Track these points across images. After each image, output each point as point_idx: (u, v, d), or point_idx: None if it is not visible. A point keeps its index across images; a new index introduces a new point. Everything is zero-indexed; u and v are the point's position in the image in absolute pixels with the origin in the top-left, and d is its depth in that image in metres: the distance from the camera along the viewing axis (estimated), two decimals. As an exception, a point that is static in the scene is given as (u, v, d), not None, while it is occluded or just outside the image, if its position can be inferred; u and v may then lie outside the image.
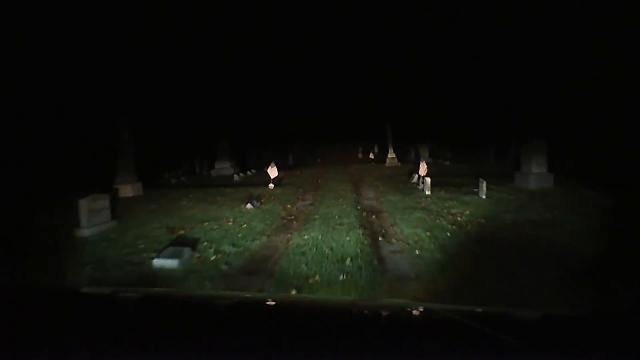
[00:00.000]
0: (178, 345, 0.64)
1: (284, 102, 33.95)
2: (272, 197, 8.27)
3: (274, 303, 1.08)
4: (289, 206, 7.41)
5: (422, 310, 0.98)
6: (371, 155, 20.00)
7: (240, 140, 27.71)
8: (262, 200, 7.76)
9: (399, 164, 16.48)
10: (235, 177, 13.60)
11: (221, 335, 0.70)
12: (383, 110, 30.99)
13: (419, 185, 8.88)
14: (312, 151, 30.81)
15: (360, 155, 27.95)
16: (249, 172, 15.42)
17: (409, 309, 1.01)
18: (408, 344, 0.66)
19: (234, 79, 30.38)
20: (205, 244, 4.99)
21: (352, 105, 35.18)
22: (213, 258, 4.40)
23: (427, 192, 7.80)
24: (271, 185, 9.43)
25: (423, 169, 8.21)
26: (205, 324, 0.79)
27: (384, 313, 0.98)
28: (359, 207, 6.96)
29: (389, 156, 16.53)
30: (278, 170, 16.90)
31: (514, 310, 1.16)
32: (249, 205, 6.99)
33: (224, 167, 16.00)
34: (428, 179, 7.84)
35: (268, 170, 9.51)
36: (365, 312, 1.02)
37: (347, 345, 0.66)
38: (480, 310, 0.99)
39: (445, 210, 6.39)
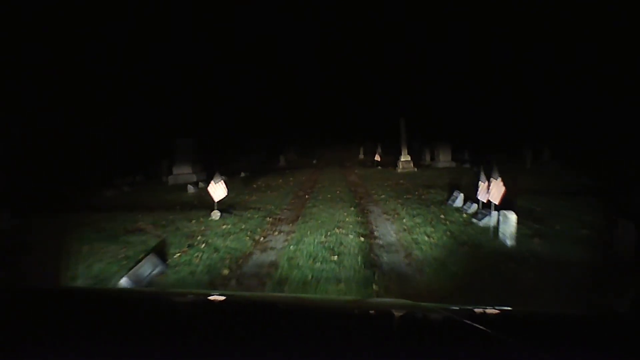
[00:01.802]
0: (178, 344, 0.61)
1: (276, 96, 30.27)
2: (204, 245, 4.33)
3: (274, 302, 1.08)
4: (226, 271, 3.49)
5: (423, 310, 0.98)
6: (377, 157, 16.06)
7: (215, 139, 24.21)
8: (167, 262, 3.83)
9: (415, 169, 12.56)
10: (190, 188, 9.65)
11: (221, 334, 0.68)
12: (389, 104, 27.37)
13: (476, 217, 4.98)
14: (307, 151, 27.06)
15: (361, 157, 24.17)
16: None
17: (410, 309, 1.01)
18: (409, 343, 0.66)
19: (213, 67, 26.88)
20: None
21: (354, 99, 31.46)
22: None
23: (509, 242, 3.89)
24: (215, 215, 5.45)
25: (497, 192, 4.19)
26: (205, 324, 0.77)
27: (385, 313, 0.97)
28: (374, 287, 3.04)
29: (402, 159, 12.58)
30: (262, 175, 12.97)
31: (514, 310, 1.06)
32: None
33: (183, 174, 12.09)
34: (513, 217, 3.88)
35: (209, 189, 5.55)
36: (366, 311, 1.01)
37: (348, 345, 0.65)
38: (480, 310, 0.98)
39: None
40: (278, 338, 0.66)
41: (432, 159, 14.94)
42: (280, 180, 11.29)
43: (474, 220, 4.91)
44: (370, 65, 30.95)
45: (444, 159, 13.60)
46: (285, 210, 6.46)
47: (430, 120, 23.19)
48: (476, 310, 0.96)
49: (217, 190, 5.41)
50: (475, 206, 5.48)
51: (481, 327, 0.70)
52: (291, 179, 11.98)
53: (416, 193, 7.86)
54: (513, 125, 23.08)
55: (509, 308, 1.00)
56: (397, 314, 0.94)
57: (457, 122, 23.85)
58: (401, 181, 10.16)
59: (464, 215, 5.34)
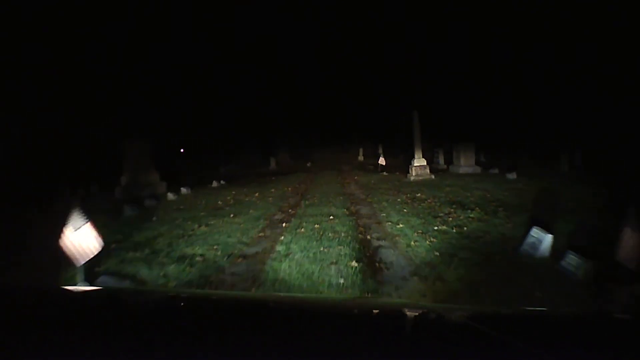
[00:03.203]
0: (177, 344, 0.60)
1: (276, 95, 27.94)
2: None
3: (274, 302, 1.07)
4: None
5: (423, 310, 0.97)
6: (381, 161, 13.35)
7: (207, 140, 21.89)
8: None
9: (432, 176, 9.89)
10: (128, 210, 6.91)
11: (221, 334, 0.66)
12: (389, 103, 24.94)
13: (611, 295, 2.29)
14: (302, 152, 24.50)
15: (361, 158, 21.58)
16: (171, 194, 8.81)
17: (410, 309, 1.00)
18: (409, 343, 0.65)
19: (213, 67, 24.89)
20: None
21: (354, 98, 29.03)
22: None
23: None
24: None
25: None
26: (205, 323, 0.76)
27: (386, 312, 0.95)
28: None
29: (416, 163, 9.88)
30: (240, 184, 10.19)
31: (514, 310, 1.09)
32: None
33: (133, 184, 9.37)
34: None
35: (62, 244, 2.72)
36: (367, 311, 0.98)
37: (348, 344, 0.62)
38: (480, 310, 0.98)
39: None
40: (278, 338, 0.64)
41: (450, 162, 12.28)
42: (258, 194, 8.58)
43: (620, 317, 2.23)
44: (370, 64, 28.77)
45: (466, 163, 10.92)
46: (240, 261, 3.76)
47: (432, 119, 20.76)
48: (477, 310, 0.99)
49: (80, 243, 2.65)
50: (590, 265, 2.81)
51: (482, 327, 0.69)
52: (273, 190, 9.28)
53: (449, 219, 5.19)
54: (517, 125, 21.18)
55: (509, 308, 1.04)
56: (397, 313, 0.93)
57: (468, 121, 21.40)
58: (418, 194, 7.49)
59: (578, 289, 2.65)
